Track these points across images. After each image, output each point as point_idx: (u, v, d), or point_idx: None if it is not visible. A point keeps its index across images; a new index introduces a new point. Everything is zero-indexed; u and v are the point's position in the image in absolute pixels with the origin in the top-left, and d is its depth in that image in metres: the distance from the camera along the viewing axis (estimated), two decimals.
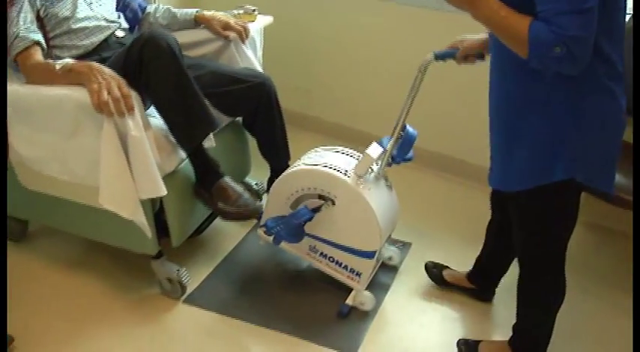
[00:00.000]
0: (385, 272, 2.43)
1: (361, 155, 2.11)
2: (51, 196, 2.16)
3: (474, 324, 2.17)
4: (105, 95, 1.78)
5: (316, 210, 2.13)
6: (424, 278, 2.39)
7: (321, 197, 2.14)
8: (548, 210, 1.65)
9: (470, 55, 1.89)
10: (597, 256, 2.56)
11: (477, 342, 2.03)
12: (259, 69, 2.49)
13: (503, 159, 1.67)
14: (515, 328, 1.95)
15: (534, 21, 1.36)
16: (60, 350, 2.06)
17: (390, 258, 2.45)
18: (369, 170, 2.12)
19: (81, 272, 2.40)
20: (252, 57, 2.48)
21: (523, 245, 1.77)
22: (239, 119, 2.47)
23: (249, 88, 2.30)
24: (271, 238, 2.19)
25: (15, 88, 1.97)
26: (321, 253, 2.23)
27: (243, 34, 2.44)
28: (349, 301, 2.22)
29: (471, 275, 2.28)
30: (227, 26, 2.41)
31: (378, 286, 2.34)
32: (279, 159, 2.45)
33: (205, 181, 2.15)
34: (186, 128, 2.01)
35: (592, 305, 2.30)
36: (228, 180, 2.15)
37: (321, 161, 2.15)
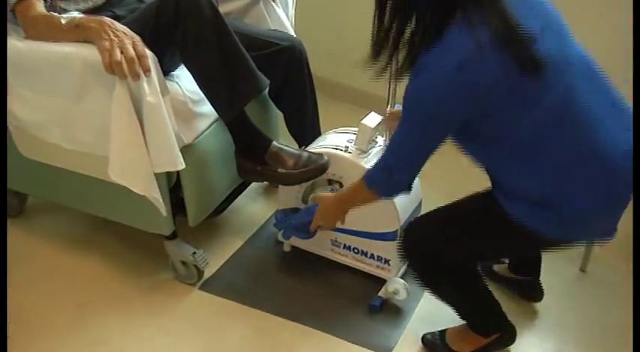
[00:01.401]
0: None
1: None
2: (53, 167, 2.11)
3: (522, 325, 2.08)
4: (118, 54, 1.72)
5: None
6: None
7: (329, 182, 2.16)
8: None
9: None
10: None
11: (442, 332, 2.02)
12: (290, 31, 2.41)
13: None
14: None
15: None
16: (62, 338, 2.02)
17: None
18: (372, 142, 2.08)
19: (86, 253, 2.35)
20: (282, 17, 2.39)
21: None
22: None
23: (277, 53, 2.21)
24: (280, 232, 2.23)
25: (14, 44, 1.89)
26: (345, 245, 2.20)
27: None
28: (382, 293, 2.16)
29: (509, 267, 2.23)
30: None
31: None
32: (308, 136, 2.35)
33: (255, 152, 2.07)
34: (230, 90, 1.94)
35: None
36: (277, 143, 2.08)
37: (321, 143, 2.17)
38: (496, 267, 2.24)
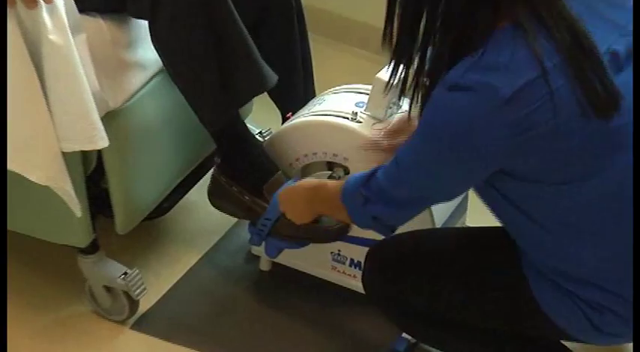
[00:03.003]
0: None
1: None
2: None
3: None
4: None
5: None
6: None
7: (330, 166, 1.97)
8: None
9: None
10: None
11: None
12: None
13: None
14: None
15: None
16: None
17: None
18: (393, 107, 1.89)
19: None
20: None
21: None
22: None
23: None
24: (261, 248, 1.98)
25: None
26: (352, 261, 1.98)
27: None
28: None
29: None
30: None
31: None
32: (296, 98, 2.11)
33: (249, 178, 1.87)
34: (220, 86, 1.76)
35: None
36: (282, 175, 1.91)
37: (317, 109, 1.97)
38: None
